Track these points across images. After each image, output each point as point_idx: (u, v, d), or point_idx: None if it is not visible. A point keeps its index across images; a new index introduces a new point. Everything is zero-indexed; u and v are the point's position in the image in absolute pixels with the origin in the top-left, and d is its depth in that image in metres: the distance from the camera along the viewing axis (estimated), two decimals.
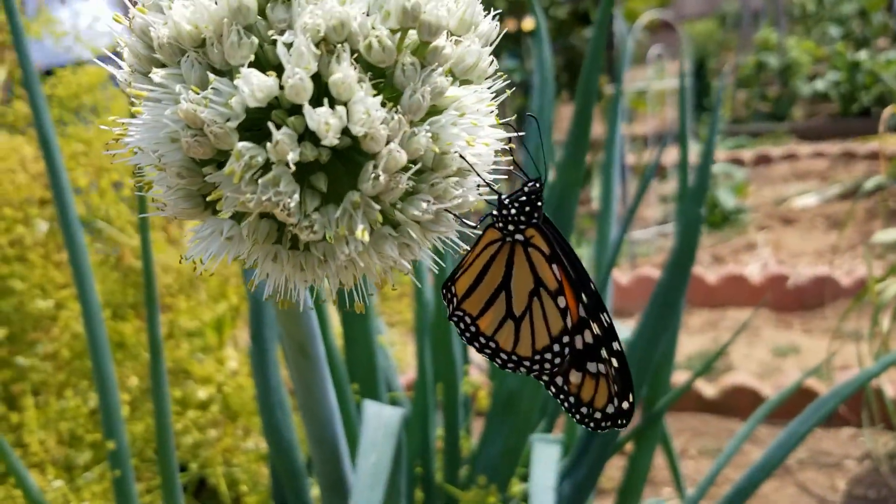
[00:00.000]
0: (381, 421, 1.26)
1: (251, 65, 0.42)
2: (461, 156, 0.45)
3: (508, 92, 0.47)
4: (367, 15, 0.43)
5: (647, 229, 5.11)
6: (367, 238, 0.44)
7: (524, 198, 0.60)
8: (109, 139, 0.45)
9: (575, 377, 0.66)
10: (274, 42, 0.41)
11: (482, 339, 0.66)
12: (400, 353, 2.53)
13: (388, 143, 0.42)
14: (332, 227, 0.43)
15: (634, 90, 5.73)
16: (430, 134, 0.45)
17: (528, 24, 5.94)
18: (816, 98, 8.67)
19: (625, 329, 2.21)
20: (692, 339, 3.89)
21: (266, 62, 0.43)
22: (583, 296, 0.65)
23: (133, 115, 0.44)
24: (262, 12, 0.43)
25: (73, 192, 1.66)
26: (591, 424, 0.68)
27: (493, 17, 0.49)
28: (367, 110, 0.42)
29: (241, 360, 2.09)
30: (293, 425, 1.41)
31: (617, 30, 4.78)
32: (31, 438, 1.50)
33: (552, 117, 1.81)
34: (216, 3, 0.41)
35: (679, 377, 3.33)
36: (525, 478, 1.84)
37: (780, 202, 5.62)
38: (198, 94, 0.41)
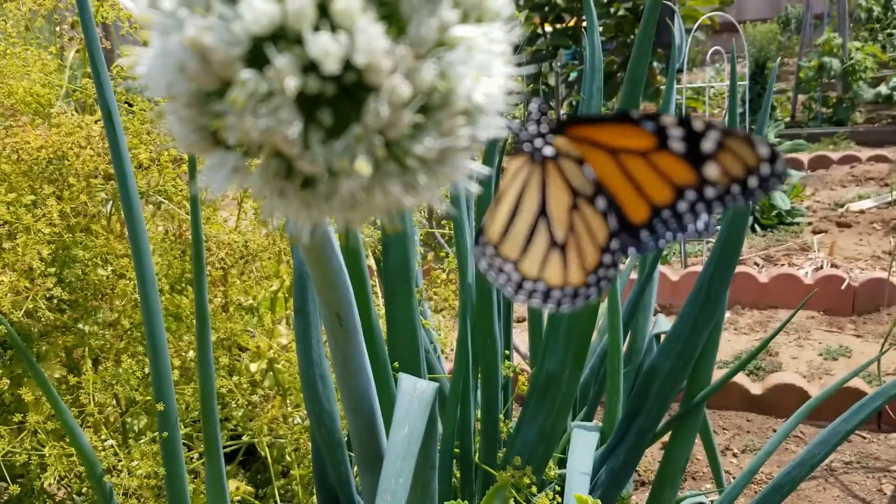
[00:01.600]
0: (415, 394, 1.30)
1: None
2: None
3: (521, 36, 0.48)
4: None
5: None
6: (367, 171, 0.44)
7: (538, 115, 0.59)
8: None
9: (712, 171, 0.59)
10: None
11: (528, 285, 0.63)
12: (446, 339, 2.57)
13: (391, 75, 0.43)
14: (334, 160, 0.44)
15: (693, 90, 5.67)
16: (436, 69, 0.45)
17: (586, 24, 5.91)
18: (879, 103, 8.47)
19: (666, 322, 2.21)
20: (741, 339, 3.85)
21: None
22: (633, 115, 0.60)
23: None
24: None
25: (135, 167, 1.74)
26: (773, 181, 0.59)
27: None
28: (369, 38, 0.42)
29: (292, 337, 2.15)
30: (334, 398, 1.46)
31: (675, 29, 4.76)
32: (88, 400, 1.57)
33: (600, 106, 1.82)
34: None
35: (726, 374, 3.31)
36: (562, 463, 1.86)
37: (836, 206, 5.51)
38: (203, 19, 0.41)
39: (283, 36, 0.43)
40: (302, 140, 0.44)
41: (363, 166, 0.44)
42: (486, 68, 0.46)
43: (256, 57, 0.43)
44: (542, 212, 0.61)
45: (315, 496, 1.95)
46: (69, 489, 1.59)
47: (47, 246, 1.55)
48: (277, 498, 1.96)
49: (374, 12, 0.43)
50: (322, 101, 0.45)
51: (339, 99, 0.45)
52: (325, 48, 0.41)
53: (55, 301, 1.63)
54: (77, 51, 1.91)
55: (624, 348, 2.22)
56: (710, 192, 0.59)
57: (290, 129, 0.43)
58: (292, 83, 0.42)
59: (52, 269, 1.55)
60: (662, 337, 2.20)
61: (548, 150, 0.59)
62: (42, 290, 1.52)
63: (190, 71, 0.42)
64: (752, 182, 0.58)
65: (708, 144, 0.58)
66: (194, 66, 0.42)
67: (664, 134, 0.59)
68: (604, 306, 2.06)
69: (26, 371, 1.65)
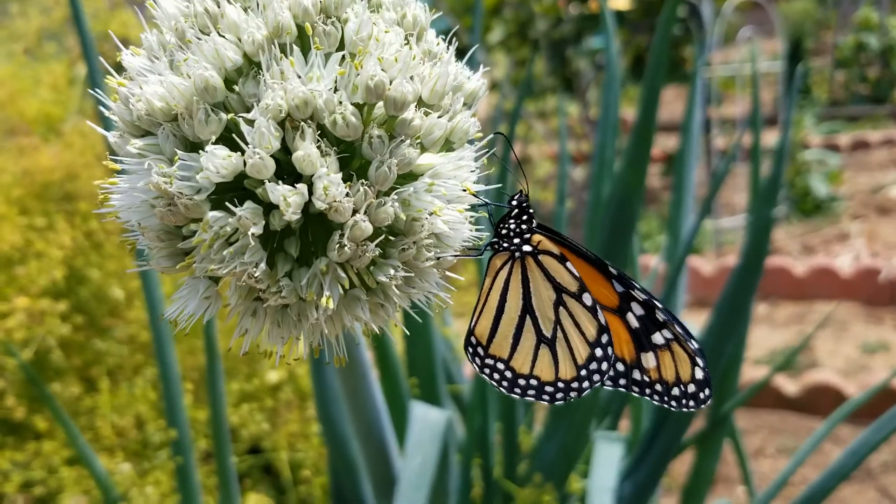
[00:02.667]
0: (427, 423, 1.27)
1: (223, 137, 0.42)
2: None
3: (485, 161, 0.46)
4: (336, 90, 0.43)
5: (734, 217, 4.96)
6: (332, 305, 0.44)
7: (516, 210, 0.58)
8: None
9: (649, 360, 0.62)
10: (246, 113, 0.42)
11: (521, 382, 0.61)
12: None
13: (354, 213, 0.42)
14: (301, 292, 0.44)
15: (724, 74, 5.54)
16: (398, 202, 0.45)
17: (619, 3, 5.79)
18: None
19: (693, 327, 2.16)
20: (777, 333, 3.77)
21: (239, 135, 0.44)
22: (610, 269, 0.61)
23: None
24: (234, 85, 0.44)
25: None
26: (692, 402, 0.62)
27: (481, 73, 0.48)
28: (328, 185, 0.42)
29: None
30: (347, 420, 1.44)
31: (704, 10, 4.63)
32: (104, 423, 1.57)
33: (618, 115, 1.77)
34: (186, 83, 0.42)
35: (761, 372, 3.24)
36: (586, 475, 1.82)
37: (876, 190, 5.36)
38: (167, 167, 0.42)
39: (247, 178, 0.44)
40: (267, 273, 0.44)
41: (329, 301, 0.44)
42: (450, 194, 0.45)
43: (224, 192, 0.43)
44: (528, 308, 0.59)
45: None
46: None
47: (60, 269, 1.54)
48: None
49: (334, 155, 0.43)
50: (289, 231, 0.45)
51: (308, 224, 0.45)
52: (284, 198, 0.42)
53: (70, 322, 1.63)
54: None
55: None
56: (636, 374, 0.61)
57: (255, 268, 0.43)
58: (255, 230, 0.42)
59: (66, 290, 1.55)
60: None
61: (526, 247, 0.58)
62: (56, 313, 1.51)
63: (157, 212, 0.43)
64: (675, 392, 0.61)
65: (659, 338, 0.60)
66: (161, 208, 0.43)
67: (628, 299, 0.60)
68: None
69: (40, 398, 1.65)
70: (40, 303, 1.52)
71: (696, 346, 0.62)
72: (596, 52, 5.77)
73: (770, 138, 5.01)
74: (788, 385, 3.19)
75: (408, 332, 1.66)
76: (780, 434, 3.08)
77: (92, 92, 0.44)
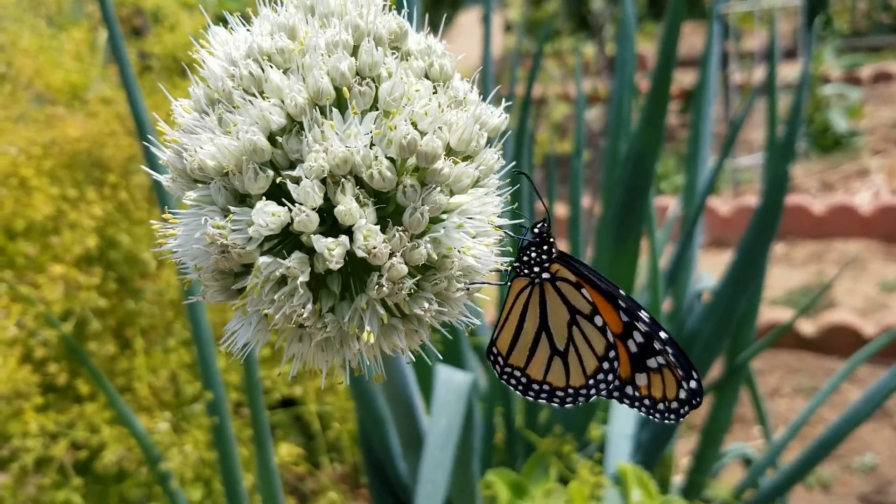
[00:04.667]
0: (451, 385, 1.33)
1: (271, 190, 0.46)
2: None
3: (508, 197, 0.50)
4: (372, 145, 0.47)
5: (752, 155, 4.93)
6: (372, 339, 0.49)
7: (538, 239, 0.65)
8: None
9: (641, 380, 0.71)
10: (292, 167, 0.46)
11: (535, 387, 0.71)
12: (487, 289, 2.59)
13: (391, 256, 0.47)
14: (344, 327, 0.49)
15: (742, 7, 5.43)
16: (430, 243, 0.49)
17: None
18: None
19: (709, 278, 2.18)
20: (795, 273, 3.79)
21: (286, 188, 0.48)
22: (619, 302, 0.69)
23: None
24: (280, 140, 0.47)
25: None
26: (672, 416, 0.72)
27: (503, 111, 0.52)
28: (368, 234, 0.46)
29: None
30: None
31: None
32: (140, 384, 1.64)
33: (634, 69, 1.78)
34: (235, 143, 0.46)
35: (779, 314, 3.27)
36: (605, 422, 1.88)
37: None
38: (221, 222, 0.47)
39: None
40: (313, 308, 0.49)
41: (369, 336, 0.48)
42: (477, 230, 0.49)
43: (271, 244, 0.48)
44: (544, 325, 0.68)
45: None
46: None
47: (92, 237, 1.59)
48: (326, 458, 2.04)
49: (371, 206, 0.48)
50: (331, 272, 0.49)
51: (347, 265, 0.49)
52: (329, 249, 0.46)
53: (103, 287, 1.68)
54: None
55: (666, 306, 2.22)
56: (628, 390, 0.71)
57: (302, 309, 0.47)
58: (303, 278, 0.46)
59: (99, 257, 1.60)
60: (705, 294, 2.18)
61: (545, 275, 0.66)
62: (91, 285, 1.56)
63: (212, 258, 0.48)
64: (660, 406, 0.71)
65: (652, 362, 0.69)
66: (215, 255, 0.48)
67: (631, 329, 0.69)
68: (644, 261, 2.05)
69: (80, 363, 1.71)
70: (75, 272, 1.57)
71: (695, 376, 0.71)
72: None
73: (789, 72, 4.94)
74: (806, 325, 3.23)
75: None
76: (797, 374, 3.13)
77: (145, 143, 0.49)
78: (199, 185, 0.48)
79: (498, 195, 0.53)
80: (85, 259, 1.63)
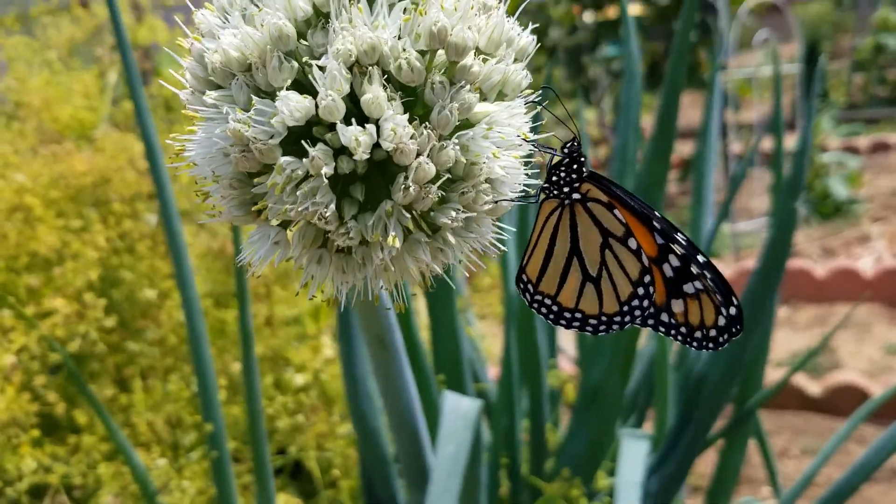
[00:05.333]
0: (459, 412, 1.29)
1: (294, 84, 0.46)
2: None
3: (539, 108, 0.50)
4: (399, 38, 0.46)
5: (752, 220, 4.95)
6: (398, 244, 0.47)
7: (567, 159, 0.62)
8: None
9: (677, 306, 0.67)
10: (313, 65, 0.45)
11: (567, 315, 0.67)
12: (490, 345, 2.55)
13: (418, 155, 0.45)
14: (367, 234, 0.47)
15: (741, 77, 5.55)
16: (458, 146, 0.47)
17: (632, 9, 5.82)
18: None
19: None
20: (798, 336, 3.76)
21: (308, 84, 0.47)
22: (654, 223, 0.65)
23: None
24: (303, 37, 0.47)
25: (177, 187, 1.76)
26: (711, 345, 0.68)
27: (531, 31, 0.51)
28: (395, 127, 0.45)
29: (336, 348, 2.16)
30: (379, 415, 1.45)
31: (720, 13, 4.64)
32: (139, 419, 1.60)
33: (639, 111, 1.79)
34: (260, 32, 0.45)
35: (782, 375, 3.23)
36: (612, 472, 1.83)
37: None
38: (244, 114, 0.45)
39: (318, 123, 0.47)
40: (336, 215, 0.47)
41: (395, 240, 0.47)
42: (504, 142, 0.48)
43: (293, 142, 0.47)
44: (576, 250, 0.65)
45: None
46: None
47: (95, 269, 1.57)
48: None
49: (399, 100, 0.46)
50: (354, 177, 0.48)
51: (370, 173, 0.48)
52: (356, 138, 0.45)
53: (104, 323, 1.66)
54: (119, 73, 1.94)
55: (673, 351, 2.19)
56: (664, 317, 0.68)
57: (325, 209, 0.46)
58: (327, 170, 0.45)
59: (99, 293, 1.58)
60: None
61: (576, 195, 0.63)
62: (93, 315, 1.54)
63: (232, 157, 0.47)
64: (697, 335, 0.67)
65: (689, 287, 0.66)
66: (236, 154, 0.46)
67: (667, 251, 0.66)
68: None
69: (79, 391, 1.68)
70: (76, 305, 1.55)
71: (734, 302, 0.67)
72: (611, 60, 5.79)
73: (787, 142, 5.00)
74: (811, 386, 3.18)
75: (434, 329, 1.68)
76: (804, 435, 3.07)
77: (167, 50, 0.49)
78: (221, 90, 0.47)
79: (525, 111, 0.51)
80: (88, 296, 1.61)
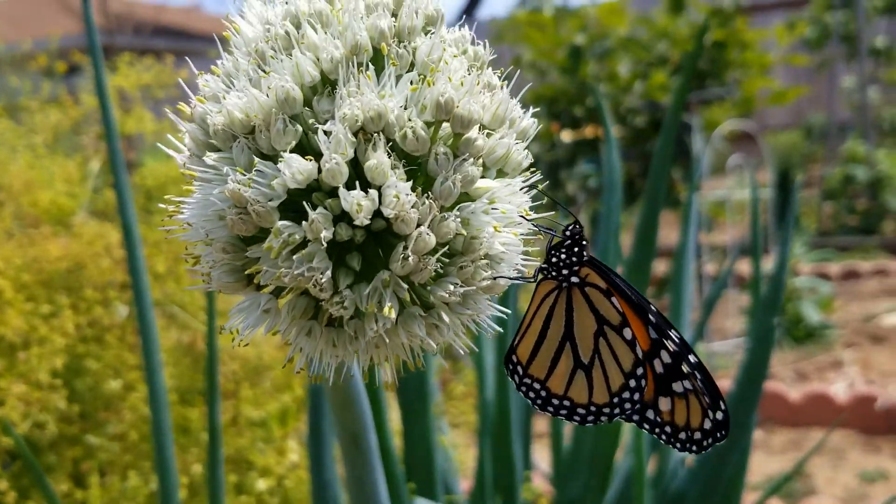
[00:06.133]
0: None
1: (296, 150, 0.45)
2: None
3: (540, 187, 0.49)
4: (405, 108, 0.46)
5: (726, 341, 4.97)
6: (393, 315, 0.45)
7: (568, 241, 0.61)
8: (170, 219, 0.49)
9: (664, 404, 0.66)
10: (317, 130, 0.44)
11: (555, 401, 0.65)
12: (463, 455, 2.49)
13: (418, 226, 0.45)
14: (362, 304, 0.45)
15: (714, 199, 5.68)
16: (459, 219, 0.47)
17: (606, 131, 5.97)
18: None
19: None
20: (773, 460, 3.71)
21: (309, 150, 0.46)
22: (650, 316, 0.64)
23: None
24: (309, 104, 0.46)
25: (152, 277, 1.73)
26: (694, 447, 0.66)
27: (531, 114, 0.52)
28: (398, 194, 0.44)
29: (302, 453, 2.09)
30: None
31: (695, 138, 4.80)
32: None
33: (619, 221, 1.81)
34: (266, 96, 0.45)
35: (756, 498, 3.17)
36: None
37: (868, 319, 5.41)
38: (244, 175, 0.45)
39: (317, 189, 0.46)
40: (331, 283, 0.46)
41: (390, 311, 0.46)
42: (505, 217, 0.47)
43: (292, 205, 0.46)
44: (569, 334, 0.63)
45: None
46: None
47: (61, 356, 1.53)
48: None
49: (402, 169, 0.46)
50: (351, 246, 0.48)
51: (368, 244, 0.48)
52: (358, 203, 0.45)
53: (65, 412, 1.60)
54: (102, 161, 1.94)
55: (650, 470, 2.14)
56: (650, 414, 0.66)
57: (321, 275, 0.45)
58: (326, 234, 0.44)
59: (62, 383, 1.53)
60: (689, 459, 2.11)
61: (574, 279, 0.62)
62: (53, 403, 1.49)
63: (229, 220, 0.46)
64: (682, 436, 0.66)
65: (678, 386, 0.65)
66: (233, 216, 0.46)
67: (659, 347, 0.64)
68: (627, 426, 1.99)
69: (33, 482, 1.60)
70: (38, 393, 1.50)
71: (722, 407, 0.66)
72: (588, 177, 5.92)
73: (762, 266, 5.07)
74: None
75: (406, 434, 1.64)
76: None
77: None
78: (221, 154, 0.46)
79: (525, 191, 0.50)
80: (51, 384, 1.55)
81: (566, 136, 6.12)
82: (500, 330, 0.54)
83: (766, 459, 3.70)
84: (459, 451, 2.25)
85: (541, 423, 3.37)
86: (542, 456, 2.95)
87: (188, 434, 1.83)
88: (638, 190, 5.75)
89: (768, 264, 3.95)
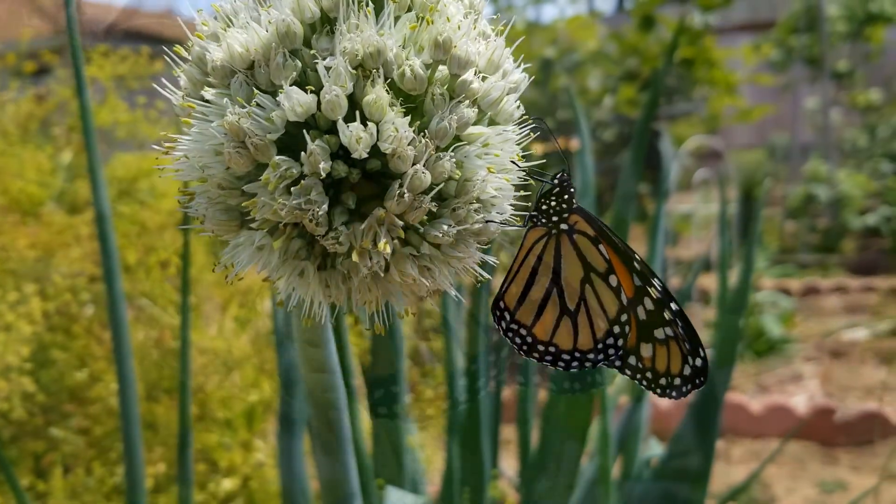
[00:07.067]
0: None
1: (297, 84, 0.45)
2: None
3: (533, 136, 0.51)
4: (403, 47, 0.47)
5: None
6: (388, 251, 0.46)
7: (558, 189, 0.62)
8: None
9: (646, 350, 0.66)
10: (316, 68, 0.45)
11: (540, 347, 0.66)
12: (430, 457, 2.48)
13: (414, 163, 0.45)
14: (357, 240, 0.46)
15: (680, 214, 5.76)
16: (454, 160, 0.47)
17: (575, 144, 6.04)
18: (868, 232, 8.59)
19: (657, 446, 2.15)
20: (733, 470, 3.75)
21: (308, 84, 0.46)
22: (634, 264, 0.65)
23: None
24: (308, 43, 0.47)
25: (122, 269, 1.71)
26: (674, 393, 0.67)
27: (523, 69, 0.53)
28: (396, 128, 0.45)
29: (268, 452, 2.08)
30: None
31: (663, 152, 4.86)
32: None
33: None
34: (266, 30, 0.46)
35: None
36: None
37: (828, 334, 5.51)
38: (243, 107, 0.45)
39: (315, 125, 0.47)
40: (327, 219, 0.47)
41: (386, 246, 0.46)
42: (499, 161, 0.48)
43: (287, 143, 0.47)
44: (556, 281, 0.64)
45: None
46: None
47: (28, 345, 1.51)
48: None
49: (399, 106, 0.47)
50: (347, 184, 0.48)
51: (363, 184, 0.48)
52: (357, 136, 0.45)
53: (30, 403, 1.58)
54: (74, 153, 1.93)
55: (615, 472, 2.15)
56: (631, 360, 0.67)
57: (318, 209, 0.46)
58: (324, 167, 0.45)
59: (30, 368, 1.51)
60: (654, 461, 2.13)
61: (563, 226, 0.63)
62: (18, 389, 1.46)
63: (226, 154, 0.46)
64: (662, 381, 0.66)
65: (660, 333, 0.66)
66: (230, 150, 0.46)
67: (643, 294, 0.65)
68: (594, 428, 2.00)
69: None
70: (1, 381, 1.47)
71: (701, 354, 0.67)
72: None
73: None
74: None
75: (377, 431, 1.64)
76: None
77: (167, 56, 0.49)
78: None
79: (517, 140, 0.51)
80: (17, 372, 1.53)
81: (536, 148, 6.16)
82: (489, 277, 0.55)
83: (727, 469, 3.74)
84: (426, 452, 2.25)
85: (508, 430, 3.38)
86: (508, 463, 2.95)
87: (153, 429, 1.81)
88: (607, 203, 5.81)
89: (731, 279, 4.01)
